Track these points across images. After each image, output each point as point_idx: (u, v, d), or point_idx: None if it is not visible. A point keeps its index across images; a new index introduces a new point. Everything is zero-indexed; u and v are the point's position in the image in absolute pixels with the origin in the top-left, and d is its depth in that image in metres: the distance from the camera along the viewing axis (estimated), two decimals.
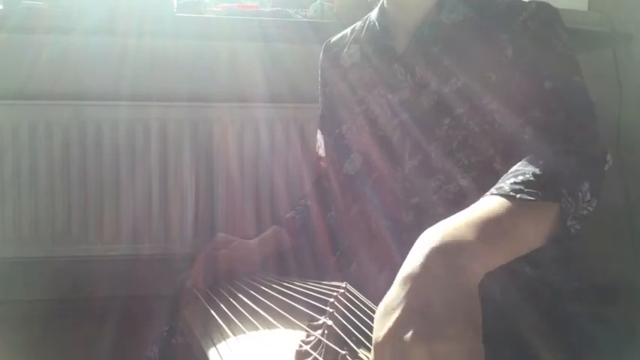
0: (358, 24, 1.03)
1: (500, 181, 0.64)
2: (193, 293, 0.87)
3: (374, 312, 0.67)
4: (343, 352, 0.56)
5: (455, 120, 0.81)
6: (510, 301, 0.75)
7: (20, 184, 1.67)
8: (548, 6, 0.82)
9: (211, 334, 0.69)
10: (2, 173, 1.66)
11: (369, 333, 0.61)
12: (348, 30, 1.06)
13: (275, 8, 1.86)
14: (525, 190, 0.59)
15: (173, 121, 1.75)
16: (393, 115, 0.88)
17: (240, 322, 0.70)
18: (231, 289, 0.82)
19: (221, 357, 0.64)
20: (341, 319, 0.64)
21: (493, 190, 0.61)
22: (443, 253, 0.48)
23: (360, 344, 0.59)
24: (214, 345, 0.67)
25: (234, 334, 0.68)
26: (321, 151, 1.03)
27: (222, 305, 0.76)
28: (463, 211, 0.57)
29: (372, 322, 0.64)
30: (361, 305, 0.68)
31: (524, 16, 0.80)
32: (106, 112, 1.71)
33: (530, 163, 0.65)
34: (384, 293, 0.49)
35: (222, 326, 0.70)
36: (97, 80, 1.72)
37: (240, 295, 0.78)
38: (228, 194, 1.79)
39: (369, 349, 0.59)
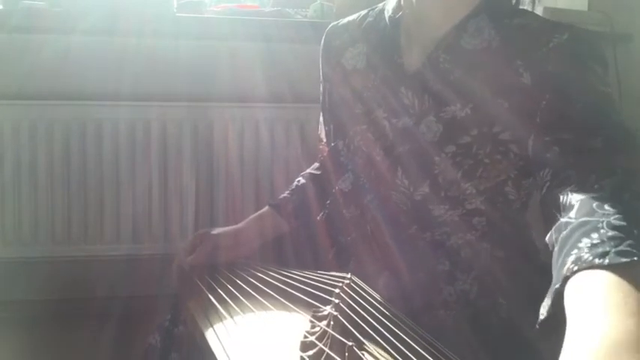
0: (369, 16, 0.92)
1: (564, 241, 0.52)
2: (192, 277, 0.86)
3: (380, 303, 0.67)
4: (350, 344, 0.56)
5: (461, 148, 0.75)
6: (518, 313, 0.74)
7: (20, 184, 1.67)
8: (582, 37, 0.71)
9: (215, 326, 0.69)
10: (2, 173, 1.66)
11: (374, 324, 0.61)
12: (356, 17, 0.94)
13: (275, 8, 1.87)
14: (614, 250, 0.46)
15: (173, 121, 1.75)
16: (395, 142, 0.81)
17: (244, 313, 0.70)
18: (235, 279, 0.82)
19: (225, 349, 0.63)
20: (347, 309, 0.63)
21: (570, 265, 0.48)
22: None
23: (365, 335, 0.59)
24: (218, 337, 0.66)
25: (239, 326, 0.68)
26: (323, 135, 1.00)
27: (226, 297, 0.75)
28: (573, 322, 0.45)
29: (378, 313, 0.64)
30: (367, 296, 0.68)
31: (550, 46, 0.70)
32: (106, 112, 1.71)
33: (592, 206, 0.53)
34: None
35: (226, 318, 0.69)
36: (98, 80, 1.71)
37: (244, 286, 0.78)
38: (228, 194, 1.79)
39: (374, 340, 0.58)
